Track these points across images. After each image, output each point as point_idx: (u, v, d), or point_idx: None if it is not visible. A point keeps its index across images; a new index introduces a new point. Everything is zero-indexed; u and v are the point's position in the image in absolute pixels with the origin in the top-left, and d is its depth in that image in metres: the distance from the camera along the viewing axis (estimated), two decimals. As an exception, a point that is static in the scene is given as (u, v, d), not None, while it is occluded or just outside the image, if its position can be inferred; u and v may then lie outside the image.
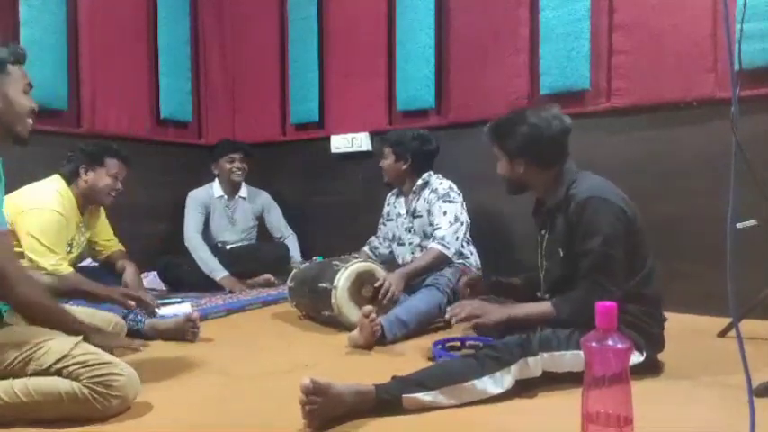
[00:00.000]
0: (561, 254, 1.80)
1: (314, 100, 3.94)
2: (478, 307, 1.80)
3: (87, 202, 2.61)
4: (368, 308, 2.16)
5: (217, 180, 3.61)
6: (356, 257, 2.61)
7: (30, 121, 1.59)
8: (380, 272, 2.49)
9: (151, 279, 3.39)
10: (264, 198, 3.77)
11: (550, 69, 3.01)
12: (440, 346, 2.00)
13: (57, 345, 1.44)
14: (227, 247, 3.59)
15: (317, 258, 2.87)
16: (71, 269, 2.41)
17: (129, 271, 2.70)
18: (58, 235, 2.39)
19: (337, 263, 2.51)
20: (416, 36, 3.45)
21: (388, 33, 3.61)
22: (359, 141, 3.73)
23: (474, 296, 2.08)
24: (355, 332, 2.17)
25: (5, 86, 1.53)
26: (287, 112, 4.12)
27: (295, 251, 3.63)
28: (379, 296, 2.36)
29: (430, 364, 1.69)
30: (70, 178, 2.56)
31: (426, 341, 2.21)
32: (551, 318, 1.70)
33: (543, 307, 1.74)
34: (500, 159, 1.93)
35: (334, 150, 3.84)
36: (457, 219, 2.58)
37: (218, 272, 3.26)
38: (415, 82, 3.46)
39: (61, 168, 2.57)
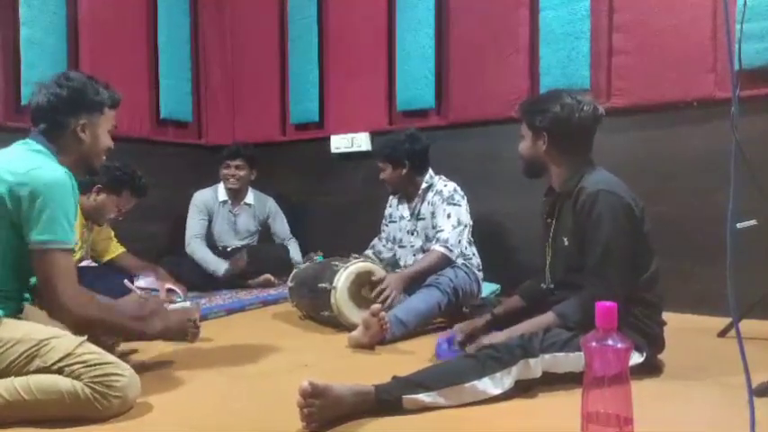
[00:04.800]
0: (566, 242, 1.80)
1: (314, 100, 3.94)
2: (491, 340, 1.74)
3: (85, 214, 2.60)
4: (377, 306, 2.15)
5: (222, 183, 3.61)
6: (356, 257, 2.61)
7: (104, 157, 1.76)
8: (380, 272, 2.49)
9: (151, 279, 3.39)
10: (271, 205, 3.76)
11: (550, 69, 3.01)
12: (444, 345, 2.00)
13: (62, 343, 1.45)
14: (228, 248, 3.59)
15: (317, 258, 2.87)
16: None
17: (158, 272, 2.76)
18: None
19: (337, 263, 2.51)
20: (416, 36, 3.45)
21: (388, 33, 3.61)
22: (359, 141, 3.73)
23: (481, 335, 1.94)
24: (356, 332, 2.17)
25: (98, 126, 1.70)
26: (287, 112, 4.12)
27: (296, 254, 3.63)
28: (373, 295, 2.35)
29: (430, 363, 1.68)
30: (82, 187, 2.54)
31: (426, 341, 2.21)
32: (559, 326, 1.69)
33: (547, 320, 1.72)
34: (524, 138, 1.91)
35: (334, 150, 3.84)
36: (460, 222, 2.58)
37: (220, 269, 3.28)
38: (415, 82, 3.46)
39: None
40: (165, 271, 3.36)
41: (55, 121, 1.64)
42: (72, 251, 1.55)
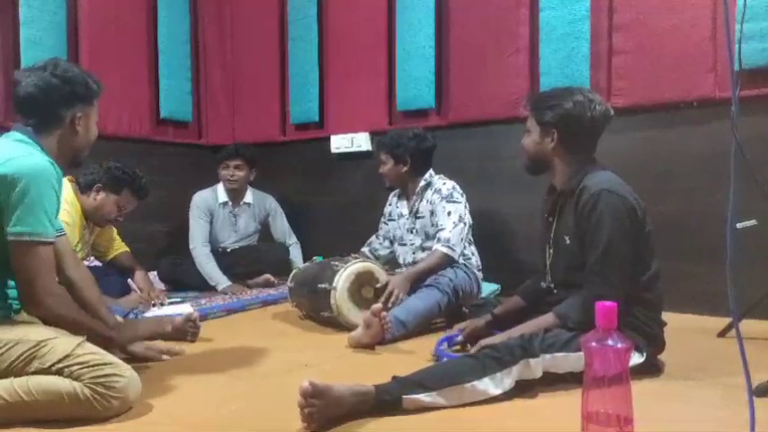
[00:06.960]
0: (567, 241, 1.80)
1: (314, 100, 3.94)
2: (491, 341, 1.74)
3: (86, 214, 2.60)
4: (378, 306, 2.14)
5: (221, 184, 3.59)
6: (356, 258, 2.60)
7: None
8: (380, 272, 2.49)
9: (151, 279, 3.39)
10: (270, 203, 3.73)
11: (550, 69, 3.01)
12: (444, 344, 2.00)
13: (60, 344, 1.44)
14: (228, 249, 3.59)
15: (317, 258, 2.87)
16: None
17: (139, 275, 2.75)
18: None
19: (336, 263, 2.51)
20: (416, 36, 3.45)
21: (388, 33, 3.61)
22: (359, 141, 3.73)
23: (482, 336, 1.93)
24: (356, 332, 2.17)
25: (91, 117, 1.67)
26: (287, 112, 4.12)
27: (297, 259, 3.59)
28: (382, 299, 2.33)
29: (430, 363, 1.68)
30: (83, 188, 2.56)
31: (426, 341, 2.21)
32: (559, 326, 1.69)
33: (547, 321, 1.72)
34: (530, 133, 1.89)
35: (334, 150, 3.84)
36: (461, 219, 2.57)
37: (221, 284, 3.25)
38: (415, 82, 3.46)
39: (80, 175, 2.57)
40: (165, 271, 3.39)
41: (50, 114, 1.59)
42: (51, 244, 1.51)
